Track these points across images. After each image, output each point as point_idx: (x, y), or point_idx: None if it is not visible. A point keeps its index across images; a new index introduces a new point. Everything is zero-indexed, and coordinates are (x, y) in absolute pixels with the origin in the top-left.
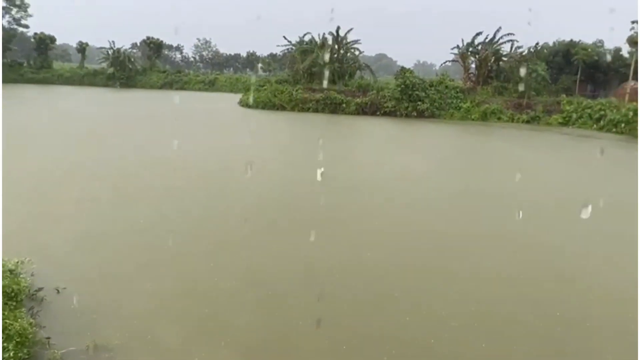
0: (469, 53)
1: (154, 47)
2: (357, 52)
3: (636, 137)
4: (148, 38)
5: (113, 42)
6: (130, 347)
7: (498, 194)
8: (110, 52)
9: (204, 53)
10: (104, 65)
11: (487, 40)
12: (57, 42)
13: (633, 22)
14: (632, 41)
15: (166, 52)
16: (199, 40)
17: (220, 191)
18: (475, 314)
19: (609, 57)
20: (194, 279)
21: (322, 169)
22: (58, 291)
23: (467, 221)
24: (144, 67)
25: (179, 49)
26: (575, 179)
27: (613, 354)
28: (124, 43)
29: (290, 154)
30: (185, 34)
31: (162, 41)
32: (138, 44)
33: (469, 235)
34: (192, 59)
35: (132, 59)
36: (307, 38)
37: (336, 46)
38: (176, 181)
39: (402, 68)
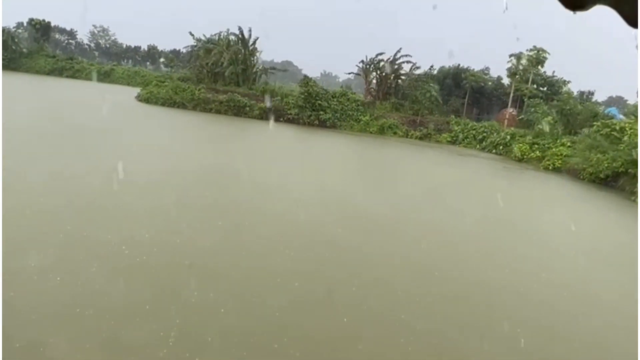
0: (371, 69)
1: (41, 29)
2: (259, 53)
3: (512, 158)
4: (32, 19)
5: None
6: None
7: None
8: None
9: (101, 41)
10: None
11: (389, 59)
12: None
13: (511, 56)
14: (511, 72)
15: (57, 36)
16: (95, 27)
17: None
18: None
19: (491, 85)
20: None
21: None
22: None
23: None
24: (30, 49)
25: (71, 33)
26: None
27: None
28: (7, 22)
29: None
30: (81, 19)
31: (49, 22)
32: (24, 24)
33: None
34: (86, 47)
35: (17, 40)
36: (212, 37)
37: (241, 47)
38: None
39: (306, 77)
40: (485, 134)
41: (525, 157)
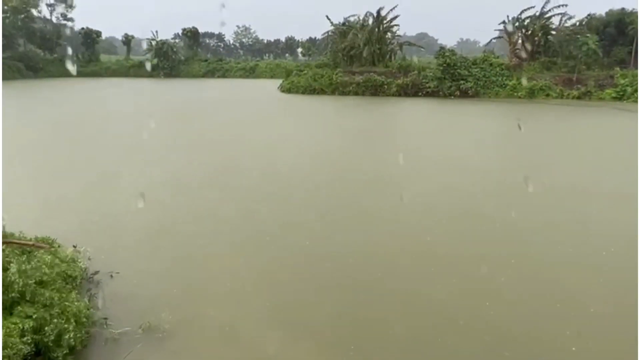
0: (516, 28)
1: (192, 37)
2: (395, 29)
3: None
4: (185, 29)
5: (156, 32)
6: (180, 328)
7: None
8: (153, 43)
9: (244, 40)
10: (148, 56)
11: (535, 14)
12: (102, 36)
13: None
14: None
15: (207, 41)
16: (238, 27)
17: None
18: None
19: None
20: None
21: None
22: (112, 276)
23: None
24: (186, 56)
25: (219, 37)
26: None
27: None
28: (167, 33)
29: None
30: (226, 20)
31: (197, 30)
32: (180, 34)
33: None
34: (232, 46)
35: (175, 49)
36: (347, 19)
37: (375, 26)
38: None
39: (442, 47)
40: None
41: None
